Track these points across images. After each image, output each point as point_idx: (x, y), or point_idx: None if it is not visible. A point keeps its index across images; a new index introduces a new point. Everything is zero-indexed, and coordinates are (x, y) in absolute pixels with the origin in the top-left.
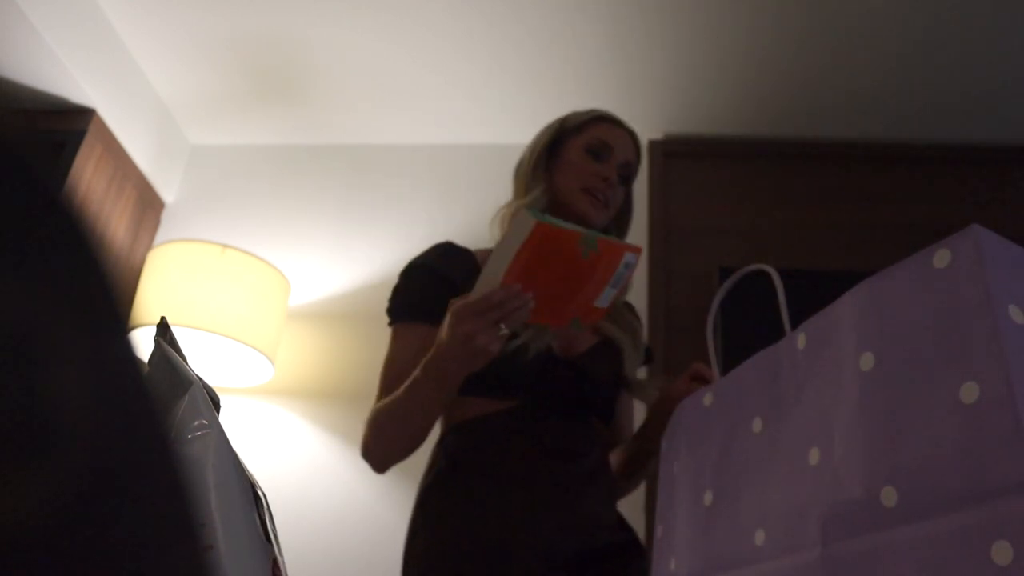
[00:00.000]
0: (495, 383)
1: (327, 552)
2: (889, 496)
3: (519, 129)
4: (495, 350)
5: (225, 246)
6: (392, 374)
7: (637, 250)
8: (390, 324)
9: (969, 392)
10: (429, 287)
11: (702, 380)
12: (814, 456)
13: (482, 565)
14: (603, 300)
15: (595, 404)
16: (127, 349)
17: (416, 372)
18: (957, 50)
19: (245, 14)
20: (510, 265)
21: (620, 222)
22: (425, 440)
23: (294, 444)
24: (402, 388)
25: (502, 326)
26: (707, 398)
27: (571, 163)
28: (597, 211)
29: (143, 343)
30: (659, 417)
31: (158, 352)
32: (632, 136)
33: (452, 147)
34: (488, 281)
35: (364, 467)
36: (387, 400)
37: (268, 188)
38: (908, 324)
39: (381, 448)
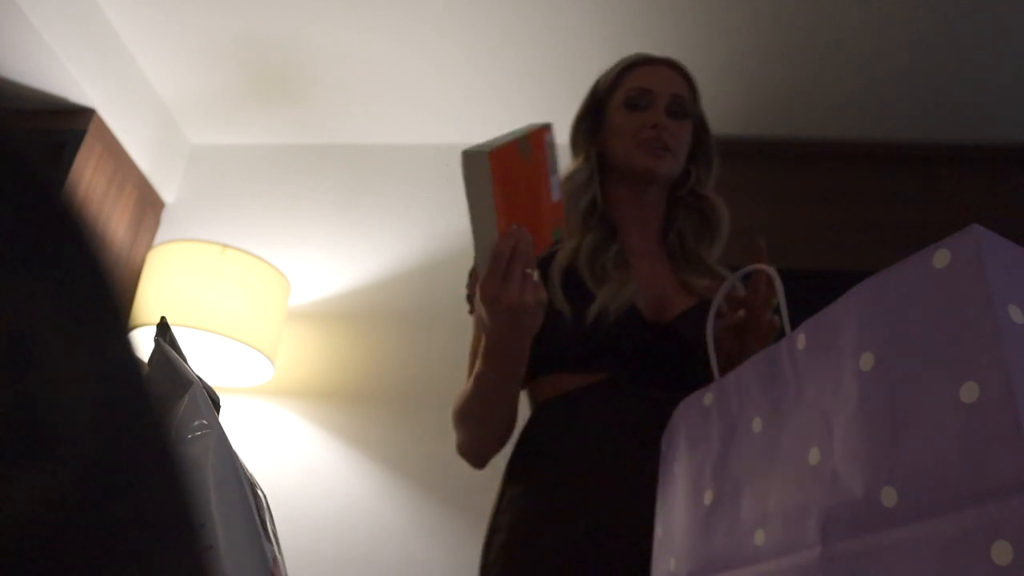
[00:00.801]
0: (579, 355)
1: (327, 552)
2: (889, 496)
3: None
4: (535, 298)
5: (225, 246)
6: (471, 362)
7: (548, 128)
8: (470, 312)
9: (969, 392)
10: None
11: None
12: (814, 456)
13: (559, 566)
14: (555, 193)
15: (693, 375)
16: (127, 349)
17: (478, 365)
18: (957, 50)
19: (245, 14)
20: (495, 211)
21: (701, 156)
22: (514, 425)
23: (294, 444)
24: (470, 382)
25: (527, 270)
26: (707, 398)
27: (616, 126)
28: (659, 160)
29: (143, 343)
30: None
31: (158, 352)
32: (672, 65)
33: (452, 147)
34: (486, 242)
35: (364, 467)
36: (460, 395)
37: (268, 188)
38: (908, 324)
39: (471, 444)
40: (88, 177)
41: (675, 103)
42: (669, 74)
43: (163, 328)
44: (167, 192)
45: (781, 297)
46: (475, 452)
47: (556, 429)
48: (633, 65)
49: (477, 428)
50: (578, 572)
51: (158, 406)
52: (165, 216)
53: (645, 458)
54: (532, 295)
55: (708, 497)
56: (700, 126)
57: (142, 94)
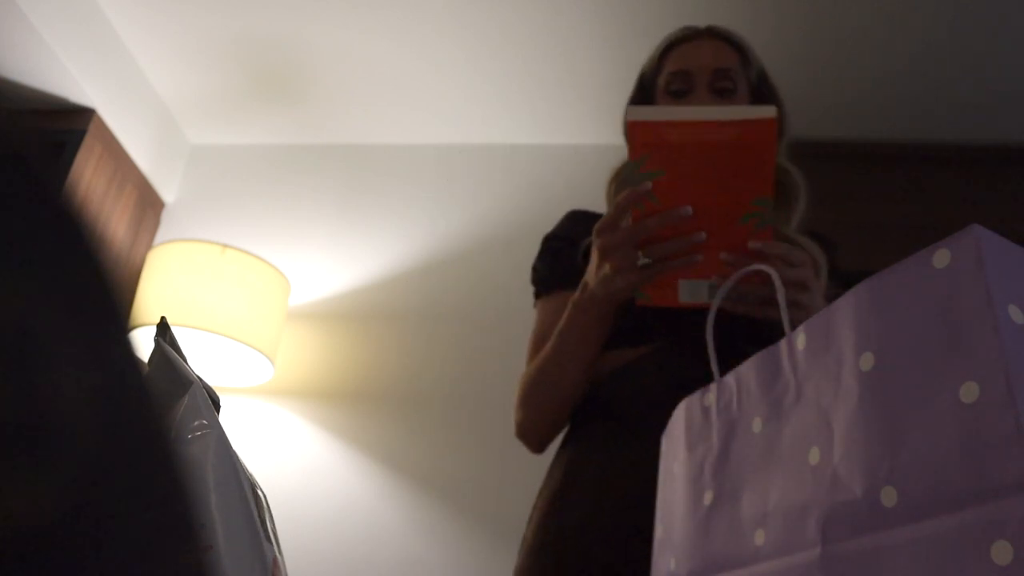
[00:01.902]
0: (631, 327)
1: (327, 552)
2: (889, 496)
3: (519, 129)
4: (628, 281)
5: (225, 246)
6: (534, 344)
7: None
8: (535, 306)
9: (969, 392)
10: (560, 255)
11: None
12: (814, 456)
13: (601, 529)
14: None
15: (758, 334)
16: (127, 349)
17: (567, 310)
18: (957, 50)
19: (245, 14)
20: (694, 121)
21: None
22: (576, 403)
23: (294, 444)
24: (554, 335)
25: (640, 254)
26: (707, 398)
27: None
28: None
29: (143, 343)
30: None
31: (158, 352)
32: (714, 34)
33: (452, 147)
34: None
35: (364, 467)
36: (529, 370)
37: (268, 188)
38: (908, 324)
39: (532, 414)
40: (88, 177)
41: (719, 78)
42: (710, 47)
43: (163, 328)
44: (167, 192)
45: (781, 298)
46: (537, 425)
47: (609, 393)
48: (672, 45)
49: (549, 390)
50: (611, 528)
51: (158, 406)
52: (165, 216)
53: None
54: (625, 275)
55: (708, 497)
56: (761, 92)
57: (142, 94)
